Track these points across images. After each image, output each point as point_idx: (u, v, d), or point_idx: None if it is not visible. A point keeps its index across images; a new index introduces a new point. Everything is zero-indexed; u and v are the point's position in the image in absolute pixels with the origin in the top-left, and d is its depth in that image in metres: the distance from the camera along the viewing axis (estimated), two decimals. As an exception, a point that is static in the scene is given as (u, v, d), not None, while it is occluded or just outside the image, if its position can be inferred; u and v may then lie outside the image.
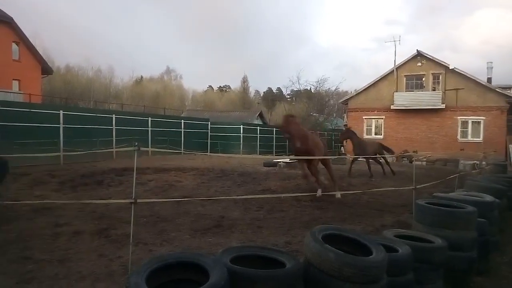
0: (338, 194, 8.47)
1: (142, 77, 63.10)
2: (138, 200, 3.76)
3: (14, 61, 28.14)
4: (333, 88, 32.37)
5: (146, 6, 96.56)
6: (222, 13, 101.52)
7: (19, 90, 25.89)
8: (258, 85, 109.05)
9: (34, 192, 8.52)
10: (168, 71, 68.06)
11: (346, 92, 36.07)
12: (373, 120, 27.69)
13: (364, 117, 27.78)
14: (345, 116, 29.31)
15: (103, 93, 46.98)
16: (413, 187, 5.21)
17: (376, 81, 27.64)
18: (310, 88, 32.70)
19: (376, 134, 27.50)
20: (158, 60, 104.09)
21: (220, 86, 77.86)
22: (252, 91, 74.17)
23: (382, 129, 27.30)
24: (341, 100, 30.33)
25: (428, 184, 6.51)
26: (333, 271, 2.70)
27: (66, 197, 8.02)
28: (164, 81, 63.19)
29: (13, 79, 27.57)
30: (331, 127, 34.88)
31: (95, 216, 6.28)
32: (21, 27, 28.46)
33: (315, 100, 31.67)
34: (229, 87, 76.60)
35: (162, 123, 21.58)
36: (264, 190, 9.74)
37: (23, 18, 45.87)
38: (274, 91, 73.89)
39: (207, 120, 26.35)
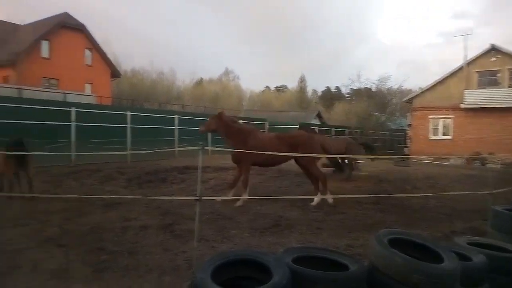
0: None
1: (202, 78, 65.22)
2: (202, 198, 3.87)
3: (87, 66, 30.54)
4: (396, 86, 31.00)
5: (205, 9, 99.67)
6: (280, 13, 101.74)
7: (91, 92, 28.01)
8: (316, 85, 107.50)
9: (105, 187, 9.14)
10: (227, 72, 69.67)
11: (410, 90, 34.35)
12: (440, 119, 26.05)
13: (430, 117, 26.23)
14: (409, 116, 27.90)
15: (166, 94, 49.20)
16: (489, 192, 4.82)
17: (444, 78, 25.96)
18: (371, 87, 31.58)
19: (444, 134, 25.85)
20: (217, 61, 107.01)
21: (277, 86, 78.10)
22: (309, 90, 73.51)
23: (451, 130, 25.59)
24: (405, 99, 28.95)
25: (506, 189, 5.97)
26: (400, 276, 2.59)
27: (133, 193, 8.51)
28: (222, 82, 64.75)
29: (86, 83, 29.93)
30: (393, 127, 33.43)
31: (160, 211, 6.59)
32: (93, 34, 30.82)
33: (376, 99, 30.50)
34: (286, 87, 76.56)
35: (221, 123, 22.04)
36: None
37: (94, 25, 49.55)
38: (332, 90, 72.52)
39: (264, 120, 26.53)
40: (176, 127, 18.62)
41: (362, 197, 7.98)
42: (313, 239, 5.29)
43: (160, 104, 38.71)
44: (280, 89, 76.30)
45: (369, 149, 13.75)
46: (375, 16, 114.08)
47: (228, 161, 14.37)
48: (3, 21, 29.03)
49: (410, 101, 27.86)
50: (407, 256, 2.63)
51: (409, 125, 27.67)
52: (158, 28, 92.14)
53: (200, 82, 63.05)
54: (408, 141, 27.80)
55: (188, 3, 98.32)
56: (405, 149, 26.44)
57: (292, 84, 76.28)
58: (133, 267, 3.97)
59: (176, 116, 18.86)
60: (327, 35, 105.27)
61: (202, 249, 4.53)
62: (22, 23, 30.26)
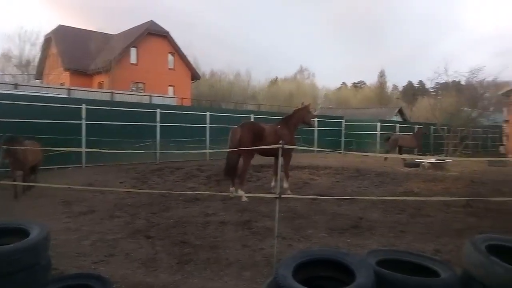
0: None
1: (277, 78, 65.65)
2: (282, 196, 3.87)
3: (169, 69, 32.54)
4: (490, 79, 28.02)
5: (280, 7, 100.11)
6: (358, 5, 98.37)
7: (174, 94, 29.78)
8: (397, 80, 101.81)
9: (187, 184, 9.63)
10: (301, 70, 69.16)
11: (507, 82, 30.84)
12: (543, 114, 23.04)
13: (530, 111, 23.35)
14: (506, 111, 25.10)
15: (242, 95, 50.47)
16: None
17: (548, 68, 22.87)
18: (460, 80, 28.90)
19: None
20: (292, 60, 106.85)
21: (354, 83, 75.64)
22: (389, 86, 69.97)
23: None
24: (501, 92, 26.09)
25: None
26: (501, 287, 2.31)
27: (212, 190, 8.84)
28: (297, 81, 64.47)
29: (169, 85, 31.89)
30: (487, 123, 30.30)
31: (238, 208, 6.75)
32: (175, 40, 32.71)
33: (466, 93, 27.88)
34: (364, 83, 73.76)
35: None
36: (405, 192, 9.04)
37: (176, 31, 52.64)
38: (415, 85, 68.21)
39: (341, 117, 25.82)
40: (252, 126, 18.95)
41: (451, 199, 7.36)
42: (396, 242, 5.01)
43: (236, 104, 39.81)
44: (357, 85, 73.77)
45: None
46: (466, 1, 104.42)
47: (300, 159, 14.22)
48: (96, 31, 32.15)
49: (507, 94, 25.00)
50: (510, 266, 2.34)
51: (506, 121, 24.91)
52: (235, 30, 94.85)
53: (274, 82, 63.53)
54: (504, 138, 25.04)
55: (262, 1, 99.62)
56: (501, 148, 23.83)
57: (371, 80, 73.38)
58: (214, 261, 4.11)
59: (252, 116, 19.23)
60: (410, 26, 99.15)
61: (279, 247, 4.51)
62: (114, 33, 33.23)
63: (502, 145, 24.21)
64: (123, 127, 14.05)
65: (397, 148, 17.08)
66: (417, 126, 21.42)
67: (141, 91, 28.49)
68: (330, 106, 48.04)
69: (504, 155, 21.57)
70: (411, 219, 6.34)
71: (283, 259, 2.50)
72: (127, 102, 16.81)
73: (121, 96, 21.97)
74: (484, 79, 27.80)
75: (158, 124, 15.26)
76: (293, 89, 56.26)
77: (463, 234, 5.12)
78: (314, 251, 2.57)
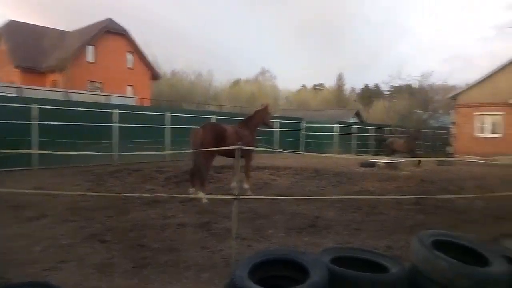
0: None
1: (239, 79, 65.71)
2: (240, 196, 3.89)
3: (128, 68, 31.69)
4: (439, 83, 29.72)
5: (242, 9, 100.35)
6: (318, 11, 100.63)
7: (133, 94, 29.02)
8: (354, 83, 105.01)
9: (145, 186, 9.42)
10: (263, 72, 69.66)
11: (454, 86, 32.81)
12: (488, 116, 24.62)
13: (475, 113, 24.89)
14: (453, 113, 26.67)
15: (203, 95, 50.03)
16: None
17: (493, 73, 24.48)
18: (413, 84, 30.46)
19: (493, 132, 24.43)
20: (254, 62, 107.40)
21: (314, 85, 77.18)
22: (347, 88, 72.04)
23: (502, 127, 24.10)
24: (449, 95, 27.69)
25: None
26: (446, 280, 2.47)
27: (171, 192, 8.71)
28: (259, 82, 64.87)
29: (128, 85, 31.06)
30: (436, 125, 32.08)
31: (197, 210, 6.71)
32: (134, 38, 31.91)
33: (418, 96, 29.39)
34: (324, 86, 75.44)
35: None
36: (361, 191, 9.37)
37: (136, 29, 51.26)
38: (371, 88, 70.67)
39: (301, 119, 26.31)
40: (213, 127, 18.86)
41: (403, 198, 7.72)
42: (351, 239, 5.18)
43: (197, 105, 39.43)
44: (317, 88, 75.32)
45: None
46: (420, 9, 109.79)
47: (261, 160, 14.38)
48: (51, 28, 30.69)
49: (454, 97, 26.56)
50: (453, 260, 2.50)
51: (453, 123, 26.45)
52: (196, 30, 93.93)
53: (236, 83, 63.56)
54: (451, 139, 26.57)
55: (225, 3, 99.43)
56: (448, 148, 25.27)
57: (329, 82, 75.12)
58: (173, 264, 4.06)
59: (213, 116, 19.14)
60: (366, 32, 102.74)
61: (239, 247, 4.54)
62: (69, 30, 31.85)
63: (449, 145, 25.65)
64: (79, 127, 13.52)
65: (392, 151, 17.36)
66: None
67: (99, 91, 27.51)
68: (291, 108, 48.79)
69: (451, 155, 22.86)
70: (365, 217, 6.58)
71: (241, 260, 2.53)
72: (83, 102, 16.19)
73: (77, 95, 21.10)
74: (434, 83, 29.43)
75: (116, 125, 14.82)
76: (254, 91, 56.55)
77: (413, 231, 5.37)
78: (270, 251, 2.62)
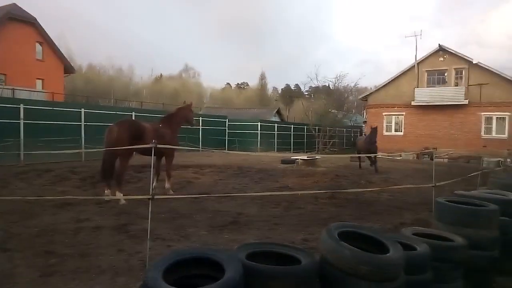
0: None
1: (161, 75, 63.81)
2: (156, 196, 3.81)
3: (37, 60, 28.94)
4: (352, 84, 32.02)
5: (166, 5, 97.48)
6: (242, 12, 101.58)
7: (43, 89, 26.59)
8: (276, 83, 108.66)
9: (57, 188, 8.75)
10: (187, 68, 68.61)
11: (366, 88, 35.59)
12: (393, 116, 27.21)
13: (384, 114, 27.32)
14: (364, 113, 28.93)
15: (123, 91, 47.71)
16: (433, 185, 5.11)
17: (397, 77, 27.12)
18: (329, 85, 32.39)
19: (396, 131, 27.04)
20: (178, 58, 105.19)
21: (238, 84, 77.98)
22: (270, 88, 74.05)
23: (402, 126, 26.81)
24: (361, 96, 29.93)
25: (449, 181, 6.36)
26: (349, 268, 2.68)
27: (87, 193, 8.21)
28: (182, 79, 63.72)
29: (37, 78, 28.37)
30: (350, 124, 34.48)
31: (114, 211, 6.41)
32: (44, 28, 29.23)
33: (334, 96, 31.32)
34: (247, 84, 76.62)
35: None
36: (281, 187, 9.73)
37: (46, 19, 47.09)
38: (292, 88, 73.46)
39: (225, 117, 26.44)
40: (134, 124, 18.11)
41: (319, 192, 8.18)
42: (270, 234, 5.37)
43: (116, 101, 37.48)
44: (241, 87, 76.25)
45: None
46: (337, 17, 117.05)
47: (185, 158, 14.23)
48: None
49: (365, 98, 28.84)
50: (355, 248, 2.73)
51: (365, 122, 28.67)
52: (117, 23, 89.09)
53: (159, 79, 61.66)
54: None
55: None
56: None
57: (253, 81, 76.52)
58: (85, 269, 3.84)
59: (133, 113, 18.39)
60: (288, 34, 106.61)
61: (158, 248, 4.46)
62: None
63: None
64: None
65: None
66: (293, 126, 23.01)
67: (2, 84, 24.73)
68: (216, 106, 48.71)
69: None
70: (284, 212, 6.86)
71: (154, 261, 2.49)
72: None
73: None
74: (348, 84, 31.61)
75: (21, 122, 13.49)
76: (178, 87, 55.42)
77: (327, 223, 5.71)
78: (185, 250, 2.61)
